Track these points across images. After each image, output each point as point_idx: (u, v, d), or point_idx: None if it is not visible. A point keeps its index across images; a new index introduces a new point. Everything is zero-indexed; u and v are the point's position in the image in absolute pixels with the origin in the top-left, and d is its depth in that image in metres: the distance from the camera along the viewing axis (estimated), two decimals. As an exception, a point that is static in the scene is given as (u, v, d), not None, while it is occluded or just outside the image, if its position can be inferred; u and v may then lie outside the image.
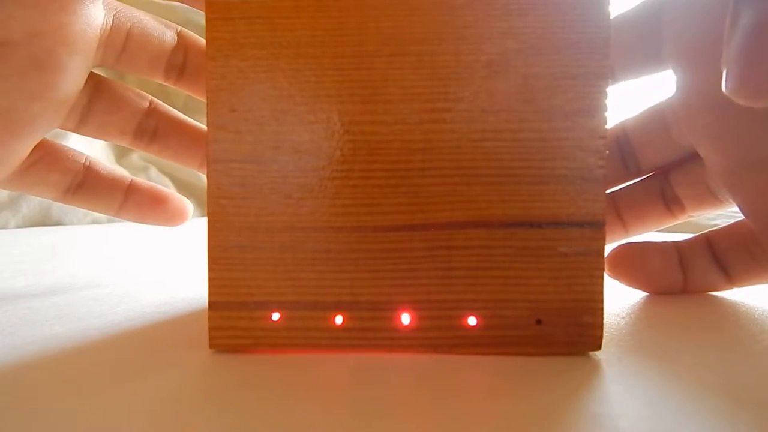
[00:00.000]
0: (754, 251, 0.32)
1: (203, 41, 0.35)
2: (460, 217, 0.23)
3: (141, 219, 0.38)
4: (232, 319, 0.23)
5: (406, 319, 0.23)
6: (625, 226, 0.37)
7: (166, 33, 0.35)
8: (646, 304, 0.33)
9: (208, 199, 0.23)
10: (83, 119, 0.34)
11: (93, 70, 0.33)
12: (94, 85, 0.34)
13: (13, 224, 0.79)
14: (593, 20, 0.23)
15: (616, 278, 0.35)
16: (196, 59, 0.36)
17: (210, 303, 0.23)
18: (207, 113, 0.23)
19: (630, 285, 0.35)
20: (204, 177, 1.02)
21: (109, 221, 0.88)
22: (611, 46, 0.23)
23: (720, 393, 0.19)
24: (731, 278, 0.33)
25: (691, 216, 0.36)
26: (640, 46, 0.33)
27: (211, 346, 0.24)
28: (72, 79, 0.31)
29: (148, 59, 0.34)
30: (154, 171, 0.99)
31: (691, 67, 0.31)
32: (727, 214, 0.64)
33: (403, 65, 0.23)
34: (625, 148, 0.36)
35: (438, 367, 0.22)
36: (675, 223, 0.36)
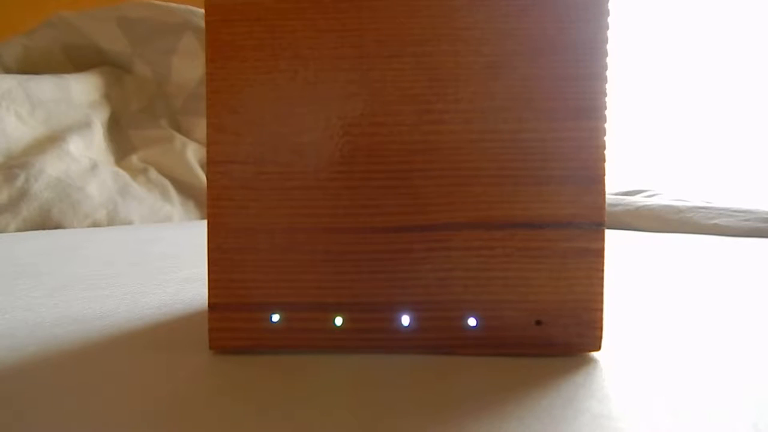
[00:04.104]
0: None
1: None
2: (459, 218, 0.23)
3: None
4: (232, 321, 0.23)
5: (405, 320, 0.23)
6: None
7: None
8: (646, 304, 0.33)
9: (208, 200, 0.23)
10: None
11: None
12: None
13: (13, 227, 0.79)
14: (593, 21, 0.23)
15: None
16: None
17: (210, 304, 0.23)
18: (207, 115, 0.23)
19: None
20: (204, 178, 1.02)
21: (108, 224, 0.88)
22: (611, 46, 0.23)
23: (720, 392, 0.19)
24: None
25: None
26: None
27: (211, 347, 0.24)
28: None
29: None
30: (153, 172, 0.98)
31: None
32: (727, 214, 0.64)
33: (403, 66, 0.23)
34: None
35: (438, 367, 0.22)
36: None
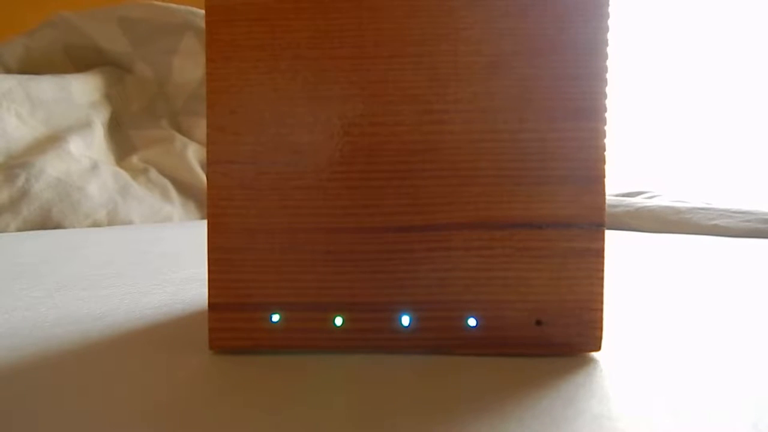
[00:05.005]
0: None
1: None
2: (459, 218, 0.23)
3: None
4: (232, 321, 0.23)
5: (406, 320, 0.23)
6: None
7: None
8: (646, 304, 0.33)
9: (208, 200, 0.23)
10: None
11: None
12: None
13: (13, 227, 0.79)
14: (592, 21, 0.23)
15: None
16: None
17: (210, 304, 0.23)
18: (207, 115, 0.23)
19: None
20: (204, 178, 1.02)
21: (109, 224, 0.88)
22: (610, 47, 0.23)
23: (719, 392, 0.19)
24: None
25: None
26: None
27: (211, 347, 0.24)
28: None
29: None
30: (154, 173, 0.98)
31: None
32: (727, 214, 0.64)
33: (402, 66, 0.23)
34: None
35: (438, 367, 0.22)
36: None
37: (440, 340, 0.23)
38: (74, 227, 0.84)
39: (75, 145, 0.93)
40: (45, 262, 0.49)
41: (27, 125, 0.93)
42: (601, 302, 0.23)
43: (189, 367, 0.22)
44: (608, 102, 0.23)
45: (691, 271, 0.45)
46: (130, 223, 0.90)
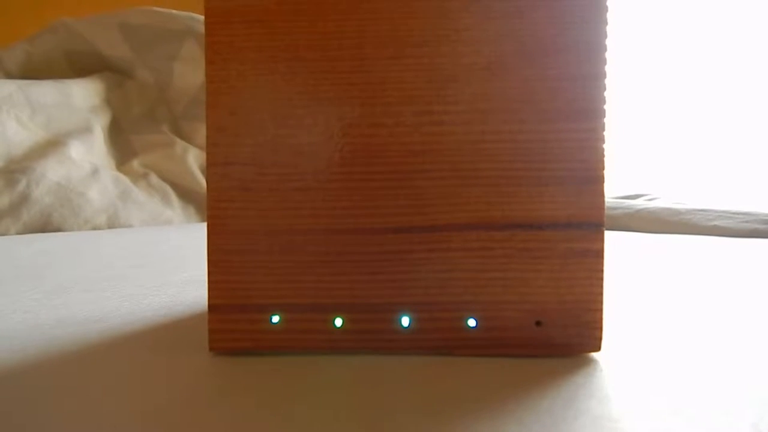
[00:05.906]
0: None
1: None
2: (459, 218, 0.23)
3: None
4: (232, 322, 0.23)
5: (405, 321, 0.23)
6: None
7: None
8: (646, 304, 0.33)
9: (207, 202, 0.24)
10: None
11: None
12: None
13: (13, 231, 0.79)
14: (592, 22, 0.23)
15: None
16: None
17: (210, 306, 0.23)
18: (206, 116, 0.23)
19: None
20: (204, 183, 1.02)
21: (108, 227, 0.88)
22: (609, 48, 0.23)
23: (720, 393, 0.19)
24: None
25: None
26: None
27: (211, 348, 0.24)
28: None
29: None
30: (154, 177, 0.99)
31: None
32: (726, 216, 0.64)
33: (402, 68, 0.23)
34: None
35: (438, 368, 0.22)
36: None
37: (440, 340, 0.23)
38: (74, 231, 0.84)
39: (75, 150, 0.93)
40: (45, 265, 0.49)
41: (27, 130, 0.93)
42: (601, 303, 0.23)
43: (189, 369, 0.22)
44: (608, 103, 0.23)
45: (691, 271, 0.45)
46: (130, 227, 0.90)
